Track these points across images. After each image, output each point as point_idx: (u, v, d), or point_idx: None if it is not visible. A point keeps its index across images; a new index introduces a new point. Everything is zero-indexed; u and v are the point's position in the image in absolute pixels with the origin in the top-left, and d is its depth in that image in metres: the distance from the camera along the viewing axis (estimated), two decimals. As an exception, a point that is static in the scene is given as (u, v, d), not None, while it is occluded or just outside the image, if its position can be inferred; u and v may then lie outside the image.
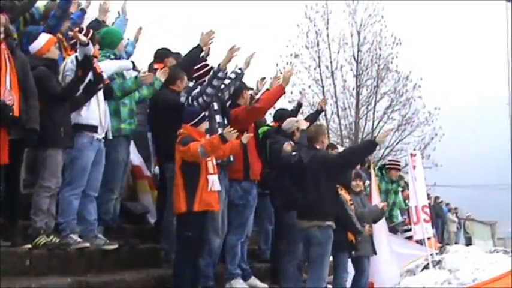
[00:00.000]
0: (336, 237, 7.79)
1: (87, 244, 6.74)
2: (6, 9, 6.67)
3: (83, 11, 8.58)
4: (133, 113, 7.93)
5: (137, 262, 7.56)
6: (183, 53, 8.72)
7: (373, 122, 27.28)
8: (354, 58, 27.12)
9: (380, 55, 27.00)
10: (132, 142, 8.51)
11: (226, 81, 7.87)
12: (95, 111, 6.98)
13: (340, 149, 11.27)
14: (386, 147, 27.00)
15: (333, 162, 7.85)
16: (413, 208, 11.99)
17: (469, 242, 25.79)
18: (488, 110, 41.75)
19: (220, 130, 7.51)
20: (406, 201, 14.10)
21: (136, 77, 7.82)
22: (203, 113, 7.20)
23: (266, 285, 8.36)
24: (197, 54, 8.26)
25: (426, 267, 11.36)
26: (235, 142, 7.19)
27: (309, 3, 26.69)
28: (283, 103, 9.64)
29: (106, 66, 7.43)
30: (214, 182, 6.92)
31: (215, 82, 7.50)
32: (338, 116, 27.08)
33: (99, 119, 7.02)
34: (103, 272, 6.85)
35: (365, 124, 27.47)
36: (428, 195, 16.90)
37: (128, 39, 9.49)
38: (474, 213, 30.06)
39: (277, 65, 25.53)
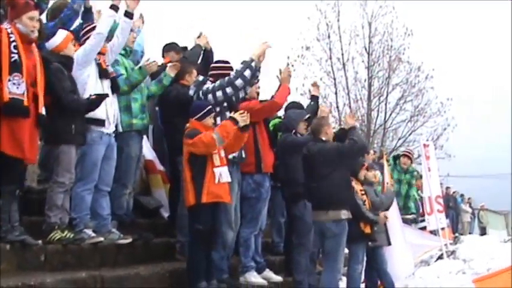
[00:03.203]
0: (349, 228, 7.78)
1: (101, 239, 6.76)
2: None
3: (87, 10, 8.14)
4: (144, 108, 7.96)
5: (151, 256, 7.59)
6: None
7: (386, 113, 27.22)
8: (366, 49, 27.04)
9: (391, 46, 26.93)
10: (145, 137, 8.54)
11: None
12: (102, 105, 6.83)
13: None
14: (399, 139, 27.04)
15: (346, 148, 7.72)
16: (427, 198, 12.01)
17: (483, 232, 25.74)
18: (502, 99, 41.57)
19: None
20: (419, 191, 14.13)
21: (140, 67, 7.85)
22: (208, 107, 7.14)
23: (280, 278, 8.36)
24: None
25: (440, 257, 11.38)
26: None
27: (320, -5, 26.59)
28: (295, 97, 9.52)
29: (101, 29, 7.05)
30: (221, 173, 6.87)
31: (247, 73, 7.38)
32: (350, 107, 26.95)
33: (106, 113, 6.97)
34: (117, 267, 6.89)
35: (377, 116, 27.41)
36: (441, 185, 16.88)
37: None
38: (488, 203, 29.90)
39: (288, 57, 25.51)
